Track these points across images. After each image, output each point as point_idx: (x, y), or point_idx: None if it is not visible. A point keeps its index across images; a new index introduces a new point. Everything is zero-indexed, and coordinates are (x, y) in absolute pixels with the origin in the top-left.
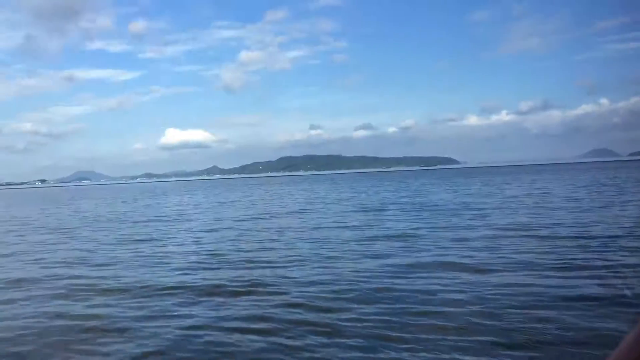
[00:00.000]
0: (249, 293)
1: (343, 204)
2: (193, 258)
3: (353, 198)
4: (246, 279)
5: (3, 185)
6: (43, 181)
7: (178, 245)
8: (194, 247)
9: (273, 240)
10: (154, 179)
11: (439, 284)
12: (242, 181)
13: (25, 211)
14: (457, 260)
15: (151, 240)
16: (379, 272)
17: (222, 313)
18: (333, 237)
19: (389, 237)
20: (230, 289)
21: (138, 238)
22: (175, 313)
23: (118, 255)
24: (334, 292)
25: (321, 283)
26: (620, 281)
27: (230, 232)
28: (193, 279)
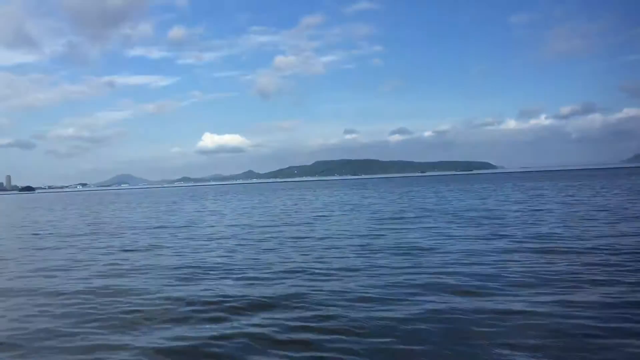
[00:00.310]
0: (203, 320)
1: (362, 210)
2: (170, 272)
3: (375, 204)
4: (210, 300)
5: (45, 188)
6: (84, 185)
7: (167, 256)
8: (180, 259)
9: (269, 251)
10: (191, 183)
11: (422, 311)
12: (275, 185)
13: (48, 215)
14: (455, 280)
15: (146, 250)
16: (364, 293)
17: (160, 344)
18: (335, 248)
19: (394, 250)
20: (184, 313)
21: (131, 248)
22: (109, 343)
23: (99, 269)
24: (302, 319)
25: (293, 307)
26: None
27: (230, 242)
28: (152, 298)
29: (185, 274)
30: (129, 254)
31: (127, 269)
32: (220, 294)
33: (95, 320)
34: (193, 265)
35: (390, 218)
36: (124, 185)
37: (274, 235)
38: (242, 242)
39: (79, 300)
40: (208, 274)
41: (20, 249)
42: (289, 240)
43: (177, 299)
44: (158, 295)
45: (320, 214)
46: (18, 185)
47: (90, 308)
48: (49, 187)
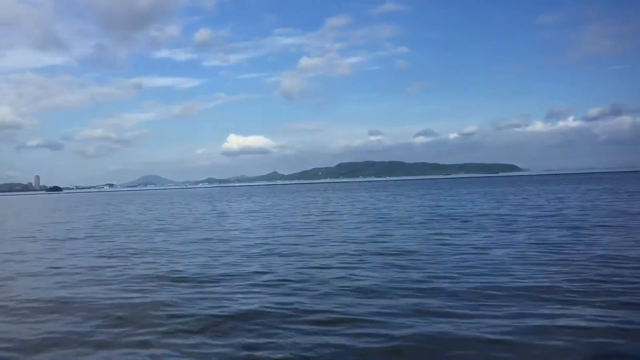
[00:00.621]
0: (126, 345)
1: (371, 214)
2: (134, 283)
3: (387, 208)
4: (152, 319)
5: (72, 189)
6: (111, 185)
7: (145, 263)
8: (156, 268)
9: (253, 259)
10: (216, 184)
11: (384, 339)
12: (297, 187)
13: (58, 217)
14: (434, 299)
15: (129, 255)
16: (329, 314)
17: None
18: (324, 257)
19: (383, 259)
20: (111, 335)
21: (115, 254)
22: None
23: (65, 278)
24: (242, 346)
25: (243, 329)
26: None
27: (220, 247)
28: (91, 316)
29: (149, 286)
30: (108, 260)
31: (92, 279)
32: (168, 312)
33: (11, 340)
34: (164, 275)
35: (397, 222)
36: (150, 186)
37: (268, 240)
38: (232, 248)
39: (13, 317)
40: (173, 286)
41: (3, 253)
42: (281, 246)
43: (117, 318)
44: (100, 312)
45: (326, 217)
46: (46, 185)
47: (17, 326)
48: (77, 188)
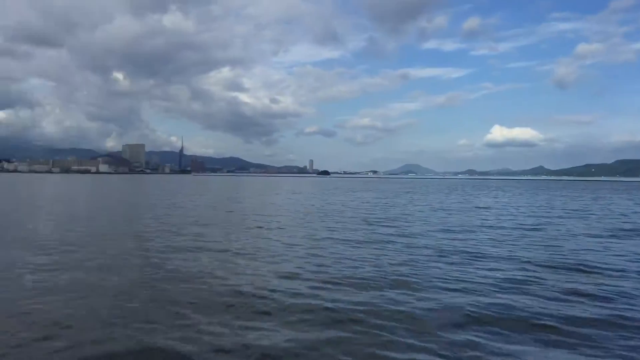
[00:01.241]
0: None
1: (606, 220)
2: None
3: (636, 213)
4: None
5: (340, 174)
6: (375, 172)
7: (298, 254)
8: (292, 261)
9: (412, 263)
10: (476, 176)
11: None
12: (559, 184)
13: (293, 200)
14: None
15: (286, 249)
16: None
17: None
18: (499, 268)
19: (568, 275)
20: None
21: (297, 242)
22: None
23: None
24: None
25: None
26: None
27: (394, 244)
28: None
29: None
30: (277, 248)
31: (227, 272)
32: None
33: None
34: (284, 271)
35: (632, 234)
36: (410, 175)
37: (456, 242)
38: (405, 247)
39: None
40: (276, 279)
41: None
42: (464, 251)
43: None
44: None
45: (551, 220)
46: (318, 169)
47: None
48: (344, 173)
